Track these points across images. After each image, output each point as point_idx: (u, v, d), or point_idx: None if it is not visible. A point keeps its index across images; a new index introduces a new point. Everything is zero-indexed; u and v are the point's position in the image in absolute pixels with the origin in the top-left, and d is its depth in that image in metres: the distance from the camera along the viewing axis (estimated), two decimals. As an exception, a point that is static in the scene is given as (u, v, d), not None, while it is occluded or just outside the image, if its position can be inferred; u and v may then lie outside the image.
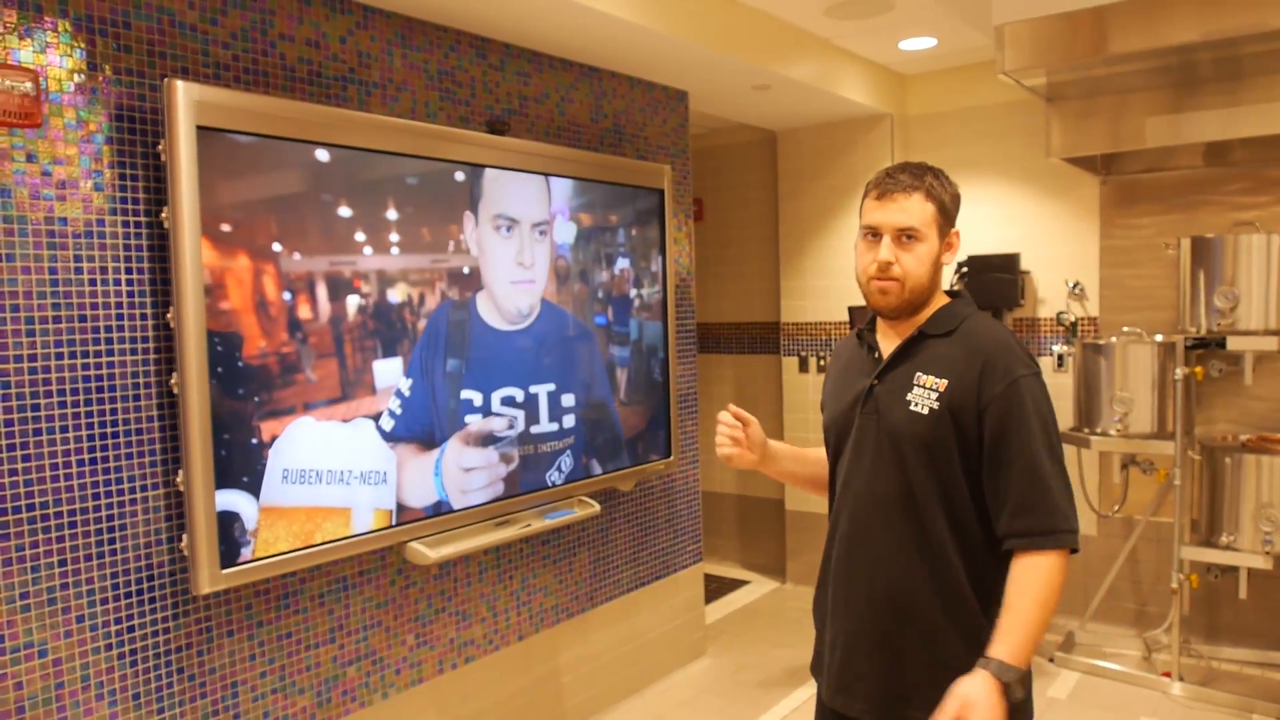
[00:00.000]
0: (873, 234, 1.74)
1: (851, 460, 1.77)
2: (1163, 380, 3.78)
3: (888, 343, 1.80)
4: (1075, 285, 4.43)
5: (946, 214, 1.75)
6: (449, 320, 2.90)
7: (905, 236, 1.71)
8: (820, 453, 1.99)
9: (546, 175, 3.22)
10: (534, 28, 3.16)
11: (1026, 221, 4.57)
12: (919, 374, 1.71)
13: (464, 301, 2.95)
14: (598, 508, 3.41)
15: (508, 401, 3.08)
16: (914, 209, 1.70)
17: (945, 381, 1.68)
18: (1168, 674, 3.81)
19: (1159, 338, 3.87)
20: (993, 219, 4.65)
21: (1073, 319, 4.45)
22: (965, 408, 1.65)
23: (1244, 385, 3.86)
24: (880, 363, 1.77)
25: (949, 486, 1.67)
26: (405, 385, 2.75)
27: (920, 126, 4.90)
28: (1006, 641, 1.57)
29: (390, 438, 2.71)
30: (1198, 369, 3.76)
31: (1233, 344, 3.60)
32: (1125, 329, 4.05)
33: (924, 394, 1.68)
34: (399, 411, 2.74)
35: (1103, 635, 4.29)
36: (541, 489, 3.21)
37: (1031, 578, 1.60)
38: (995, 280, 4.48)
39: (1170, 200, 4.20)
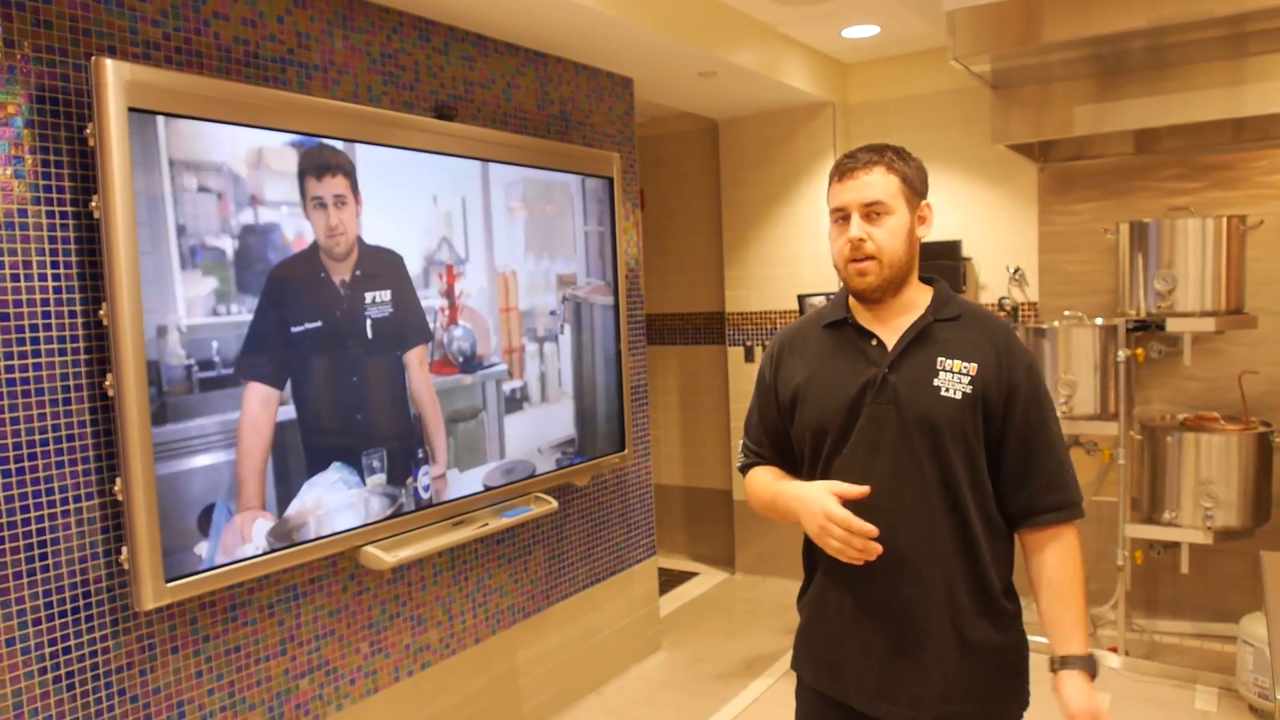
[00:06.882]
0: (841, 216, 1.71)
1: (863, 455, 1.66)
2: (1105, 362, 3.84)
3: (884, 329, 1.72)
4: (1016, 271, 4.50)
5: (912, 186, 1.72)
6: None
7: (873, 213, 1.68)
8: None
9: (488, 162, 3.11)
10: (479, 10, 3.04)
11: (967, 209, 4.63)
12: (941, 358, 1.66)
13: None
14: (555, 504, 3.33)
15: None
16: (876, 182, 1.68)
17: (975, 365, 1.65)
18: (1114, 649, 3.89)
19: (1099, 321, 3.94)
20: (934, 207, 4.68)
21: (1014, 304, 4.52)
22: (995, 390, 1.65)
23: (1181, 366, 3.96)
24: (884, 350, 1.70)
25: (978, 470, 1.66)
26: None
27: (861, 115, 4.91)
28: (1077, 635, 1.65)
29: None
30: (1139, 350, 3.84)
31: (1172, 325, 3.68)
32: (1066, 313, 4.12)
33: (954, 378, 1.65)
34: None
35: (1048, 614, 4.36)
36: (500, 486, 3.12)
37: (1070, 562, 1.68)
38: (937, 267, 4.51)
39: (1105, 186, 4.29)
